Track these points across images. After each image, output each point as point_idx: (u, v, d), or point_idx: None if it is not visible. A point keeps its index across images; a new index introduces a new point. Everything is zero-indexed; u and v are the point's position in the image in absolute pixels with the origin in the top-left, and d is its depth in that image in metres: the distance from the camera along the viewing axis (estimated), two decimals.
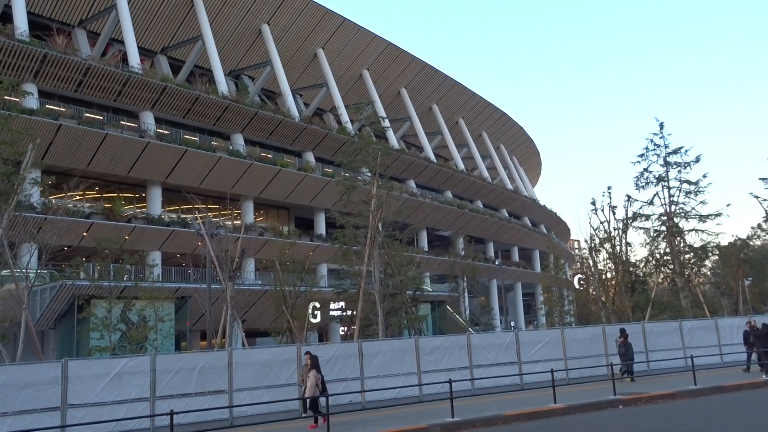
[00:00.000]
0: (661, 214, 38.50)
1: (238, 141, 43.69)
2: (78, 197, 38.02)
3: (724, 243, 39.87)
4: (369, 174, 32.30)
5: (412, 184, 57.43)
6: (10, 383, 14.62)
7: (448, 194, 62.58)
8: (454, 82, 66.68)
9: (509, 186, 75.53)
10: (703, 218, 37.59)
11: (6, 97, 22.21)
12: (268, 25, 48.30)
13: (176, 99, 39.95)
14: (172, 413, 11.81)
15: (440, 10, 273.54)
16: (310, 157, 48.52)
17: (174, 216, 40.83)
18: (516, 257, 73.22)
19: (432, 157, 61.70)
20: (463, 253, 53.64)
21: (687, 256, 38.80)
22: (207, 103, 41.23)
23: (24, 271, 21.44)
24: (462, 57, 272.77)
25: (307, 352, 15.22)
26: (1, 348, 19.24)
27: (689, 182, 37.90)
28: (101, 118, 37.09)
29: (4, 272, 20.92)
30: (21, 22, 34.40)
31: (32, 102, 33.28)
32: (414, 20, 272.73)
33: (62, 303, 29.11)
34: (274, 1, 47.57)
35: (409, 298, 31.16)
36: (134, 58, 38.90)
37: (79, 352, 27.87)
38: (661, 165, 38.22)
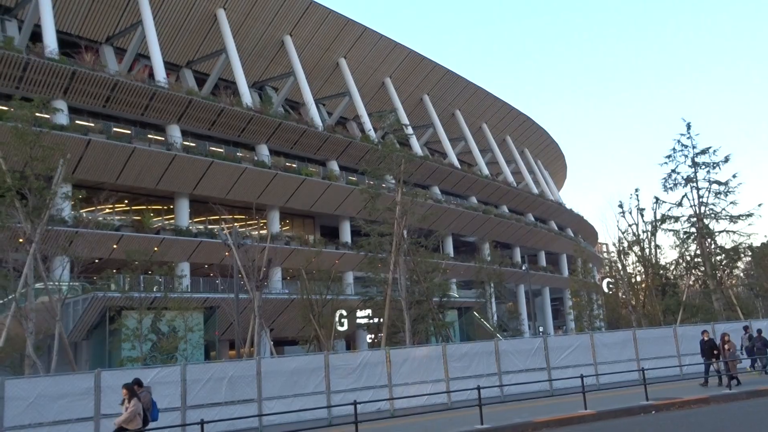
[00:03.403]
0: (690, 216, 37.83)
1: (263, 151, 44.13)
2: (108, 210, 38.71)
3: (756, 244, 39.07)
4: (393, 181, 32.40)
5: (436, 190, 57.38)
6: (46, 394, 14.89)
7: (473, 200, 62.36)
8: (476, 88, 66.55)
9: (534, 190, 74.99)
10: (734, 219, 36.83)
11: (37, 114, 22.68)
12: (291, 36, 48.78)
13: (202, 112, 40.52)
14: (202, 423, 11.93)
15: (461, 16, 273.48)
16: (334, 165, 48.79)
17: (201, 227, 41.34)
18: (543, 262, 72.59)
19: (456, 163, 61.59)
20: (489, 258, 53.35)
21: (718, 257, 38.05)
22: (232, 115, 41.75)
23: (57, 283, 21.91)
24: (484, 62, 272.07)
25: (124, 386, 11.78)
26: (36, 359, 19.60)
27: (719, 183, 37.18)
28: (129, 132, 37.76)
29: (38, 285, 21.34)
30: (50, 41, 35.24)
31: (62, 118, 34.04)
32: (435, 27, 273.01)
33: (94, 315, 29.62)
34: (295, 13, 48.07)
35: (436, 305, 31.09)
36: (160, 73, 39.59)
37: (111, 362, 28.30)
38: (689, 166, 37.56)
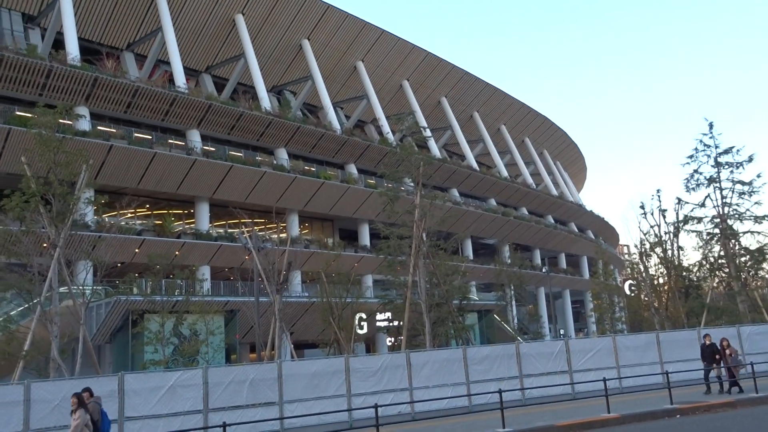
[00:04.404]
0: (713, 217, 37.28)
1: (282, 155, 44.35)
2: (130, 215, 39.13)
3: None
4: (412, 184, 32.37)
5: (455, 192, 57.22)
6: (70, 397, 15.04)
7: (492, 202, 62.09)
8: (494, 89, 66.30)
9: (554, 192, 74.48)
10: (758, 219, 36.24)
11: (60, 121, 23.01)
12: (308, 40, 49.01)
13: (221, 116, 40.84)
14: (224, 425, 12.00)
15: (478, 18, 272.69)
16: (352, 168, 48.88)
17: (221, 231, 41.62)
18: (563, 264, 72.02)
19: (474, 165, 61.38)
20: (509, 261, 53.06)
21: (743, 259, 37.47)
22: (251, 119, 42.03)
23: (81, 287, 22.15)
24: (502, 63, 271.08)
25: (74, 395, 11.21)
26: (61, 362, 19.83)
27: (742, 183, 36.62)
28: (150, 137, 38.15)
29: (62, 289, 21.61)
30: (72, 48, 35.74)
31: (84, 124, 34.52)
32: (453, 29, 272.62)
33: (117, 318, 29.94)
34: (313, 17, 48.29)
35: (456, 308, 30.97)
36: (180, 78, 39.98)
37: (134, 365, 28.56)
38: (711, 166, 37.02)
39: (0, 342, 21.12)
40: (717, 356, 18.68)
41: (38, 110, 22.20)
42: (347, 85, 54.24)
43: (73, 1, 37.66)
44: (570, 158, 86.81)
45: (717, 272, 38.11)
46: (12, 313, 24.42)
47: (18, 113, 31.60)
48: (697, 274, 39.12)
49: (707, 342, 19.03)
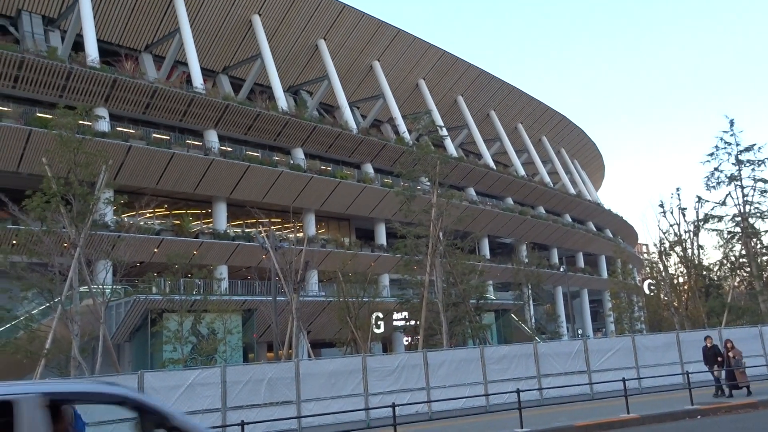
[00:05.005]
0: (734, 215, 36.81)
1: (299, 155, 44.50)
2: (148, 215, 39.49)
3: None
4: (428, 183, 32.30)
5: (471, 191, 57.03)
6: None
7: (509, 201, 61.81)
8: (511, 88, 65.98)
9: (572, 191, 73.96)
10: None
11: (80, 122, 23.27)
12: (324, 40, 49.11)
13: (238, 116, 41.07)
14: (242, 424, 12.07)
15: (495, 16, 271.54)
16: (369, 168, 48.91)
17: (239, 230, 41.85)
18: (581, 263, 71.51)
19: (491, 164, 61.12)
20: (526, 260, 52.79)
21: (765, 257, 36.96)
22: (268, 119, 42.21)
23: (100, 287, 22.39)
24: (518, 62, 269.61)
25: None
26: (82, 361, 20.05)
27: (764, 180, 36.15)
28: (168, 137, 38.46)
29: (82, 289, 21.86)
30: (92, 50, 36.13)
31: (104, 125, 34.87)
32: (469, 27, 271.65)
33: (136, 317, 30.23)
34: (329, 17, 48.38)
35: (473, 307, 30.88)
36: (197, 79, 40.26)
37: (153, 364, 28.83)
38: (732, 164, 36.56)
39: (22, 340, 21.40)
40: (719, 358, 18.13)
41: (59, 112, 22.47)
42: (363, 85, 54.28)
43: (93, 3, 38.06)
44: (588, 156, 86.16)
45: (738, 271, 37.63)
46: (34, 312, 24.71)
47: (39, 115, 32.02)
48: (718, 273, 38.66)
49: (708, 344, 18.55)
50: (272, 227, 34.82)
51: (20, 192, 21.62)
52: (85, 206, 21.24)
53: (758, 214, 36.25)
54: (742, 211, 36.32)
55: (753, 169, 36.15)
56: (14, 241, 24.14)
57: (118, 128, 35.95)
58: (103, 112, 35.59)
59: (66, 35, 39.33)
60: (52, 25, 40.17)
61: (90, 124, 33.26)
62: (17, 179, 30.11)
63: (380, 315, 36.00)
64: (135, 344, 31.44)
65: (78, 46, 38.07)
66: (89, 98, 34.81)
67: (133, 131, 36.92)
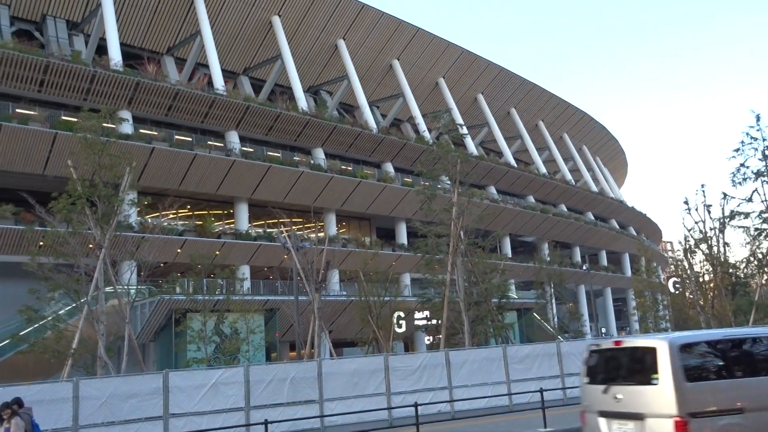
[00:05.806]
0: (761, 212, 36.09)
1: (319, 155, 44.65)
2: (171, 216, 39.89)
3: None
4: (449, 182, 32.22)
5: (492, 190, 56.76)
6: (117, 394, 15.45)
7: (531, 199, 61.40)
8: (532, 85, 65.54)
9: (594, 188, 73.25)
10: None
11: (104, 124, 23.57)
12: (344, 40, 49.22)
13: (259, 117, 41.33)
14: (266, 423, 12.15)
15: (513, 14, 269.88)
16: (389, 167, 48.91)
17: (260, 231, 42.11)
18: (604, 261, 70.77)
19: (512, 162, 60.79)
20: (548, 258, 52.38)
21: None
22: (288, 119, 42.42)
23: (125, 287, 22.66)
24: (538, 59, 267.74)
25: (5, 405, 10.31)
26: (107, 360, 20.32)
27: None
28: (190, 139, 38.81)
29: (107, 289, 22.16)
30: (115, 54, 36.61)
31: (127, 127, 35.22)
32: (488, 25, 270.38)
33: (161, 317, 30.56)
34: (348, 17, 48.49)
35: (495, 306, 30.74)
36: (218, 81, 40.59)
37: (178, 363, 29.10)
38: (759, 159, 35.86)
39: (50, 340, 21.74)
40: None
41: (83, 115, 22.76)
42: (383, 84, 54.30)
43: (116, 7, 38.57)
44: (610, 153, 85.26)
45: (765, 269, 36.99)
46: (60, 313, 25.09)
47: (64, 118, 32.49)
48: (745, 270, 38.02)
49: None
50: (293, 227, 35.00)
51: (46, 194, 21.96)
52: (109, 208, 21.51)
53: None
54: None
55: None
56: (41, 243, 24.48)
57: (141, 130, 36.37)
58: (126, 114, 35.96)
59: (89, 39, 39.88)
60: (76, 29, 40.77)
61: (114, 126, 33.61)
62: (43, 182, 30.59)
63: (402, 314, 35.98)
64: (159, 344, 31.78)
65: (101, 49, 38.60)
66: (113, 101, 35.23)
67: (155, 133, 37.32)
